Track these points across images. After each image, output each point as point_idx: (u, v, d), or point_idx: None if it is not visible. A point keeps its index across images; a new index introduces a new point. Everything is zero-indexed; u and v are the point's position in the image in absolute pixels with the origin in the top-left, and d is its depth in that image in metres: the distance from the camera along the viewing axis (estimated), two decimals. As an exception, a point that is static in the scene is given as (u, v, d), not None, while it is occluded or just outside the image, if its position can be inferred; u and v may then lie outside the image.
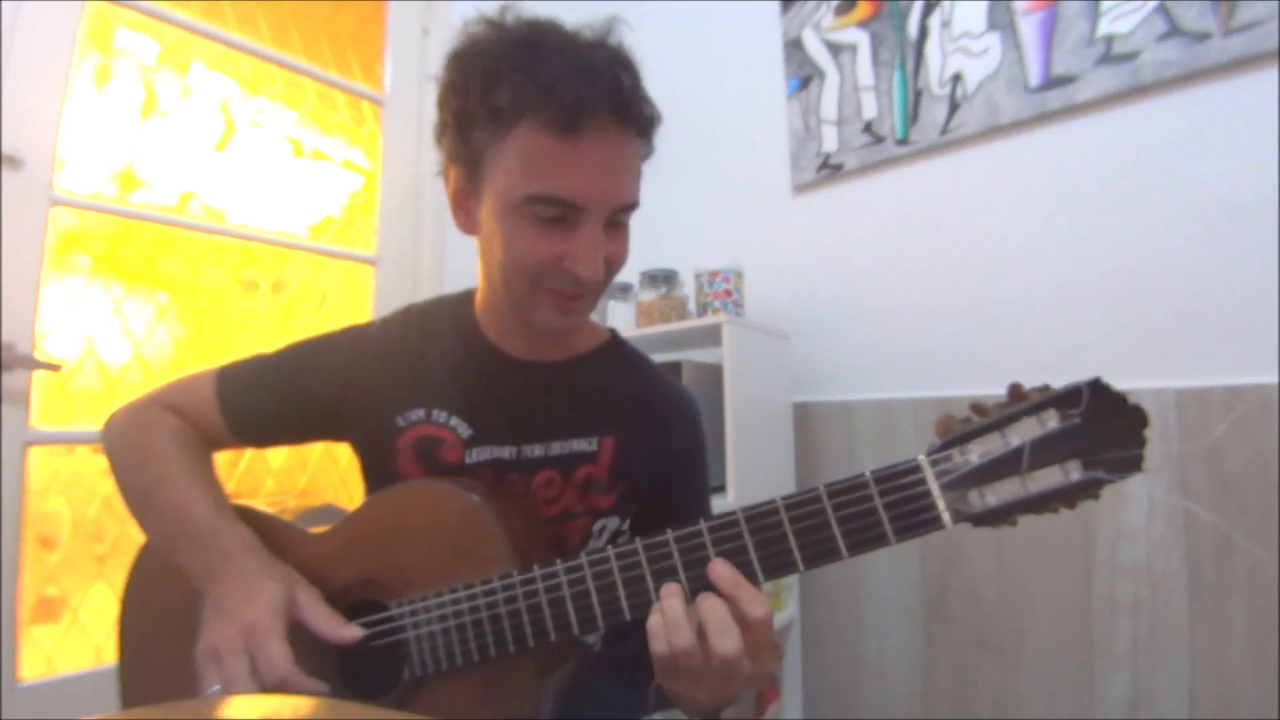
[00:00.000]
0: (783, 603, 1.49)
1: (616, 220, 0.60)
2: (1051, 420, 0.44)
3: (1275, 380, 1.03)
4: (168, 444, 0.67)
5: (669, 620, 0.47)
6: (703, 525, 0.50)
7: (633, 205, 0.60)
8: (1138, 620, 1.14)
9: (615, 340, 0.77)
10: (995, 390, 0.47)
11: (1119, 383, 0.44)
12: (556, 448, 0.67)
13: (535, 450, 0.67)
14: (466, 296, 0.74)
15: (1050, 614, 1.23)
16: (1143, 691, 1.12)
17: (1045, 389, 0.45)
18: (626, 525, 0.71)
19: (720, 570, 0.48)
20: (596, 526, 0.68)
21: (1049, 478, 0.44)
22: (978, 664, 1.31)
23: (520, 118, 0.55)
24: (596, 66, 0.55)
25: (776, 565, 0.48)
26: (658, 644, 0.48)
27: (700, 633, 0.46)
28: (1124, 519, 1.15)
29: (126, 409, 0.72)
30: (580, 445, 0.68)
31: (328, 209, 1.58)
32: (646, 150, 0.63)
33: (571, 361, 0.71)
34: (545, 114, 0.54)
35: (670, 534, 0.50)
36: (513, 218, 0.57)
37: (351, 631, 0.56)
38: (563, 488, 0.67)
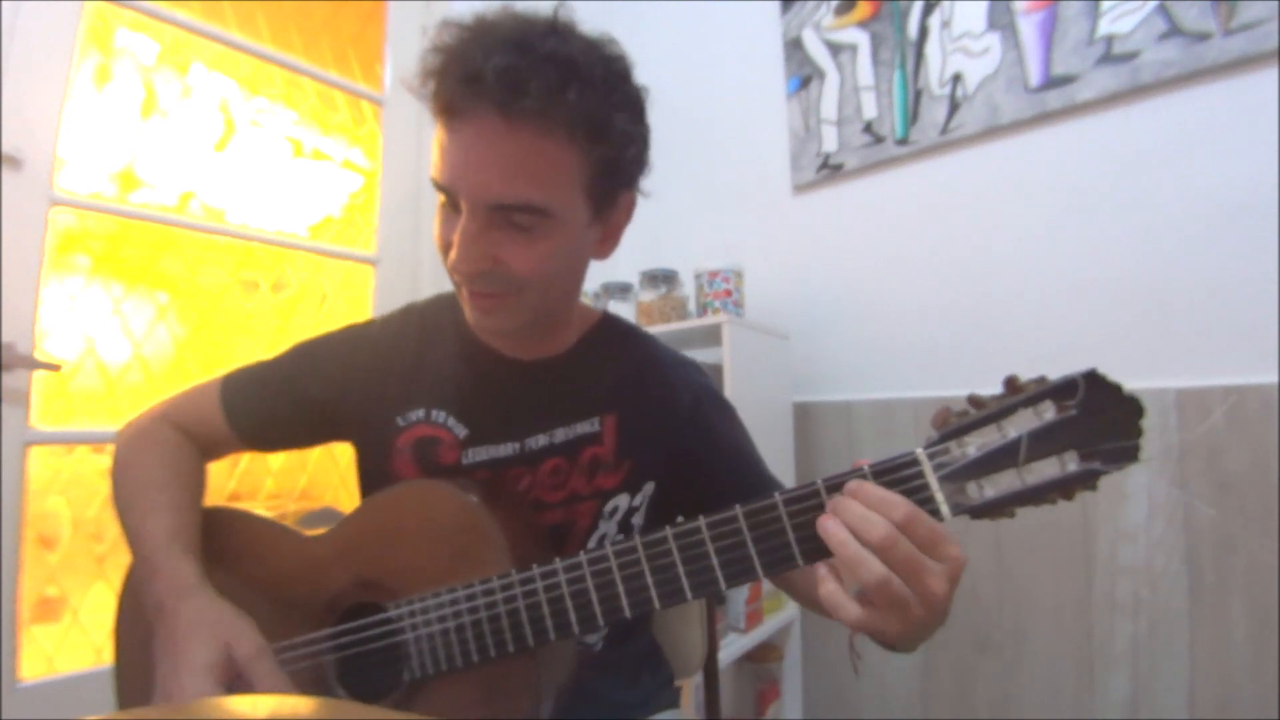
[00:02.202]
0: (783, 602, 1.50)
1: (516, 222, 0.56)
2: (1048, 412, 0.44)
3: (1275, 380, 1.03)
4: (151, 464, 0.66)
5: (851, 557, 0.43)
6: (701, 522, 0.49)
7: (519, 206, 0.55)
8: (1138, 620, 1.14)
9: (607, 319, 0.76)
10: (995, 390, 0.47)
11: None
12: (560, 434, 0.67)
13: (540, 441, 0.67)
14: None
15: (1050, 614, 1.23)
16: (1143, 691, 1.12)
17: (1041, 381, 0.45)
18: (639, 503, 0.69)
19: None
20: (607, 507, 0.68)
21: (1046, 469, 0.44)
22: (978, 664, 1.31)
23: (435, 107, 0.57)
24: (488, 55, 0.52)
25: (775, 560, 0.48)
26: (846, 611, 0.44)
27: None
28: (1124, 519, 1.16)
29: (134, 425, 0.71)
30: (583, 428, 0.67)
31: (328, 209, 1.58)
32: (593, 154, 0.56)
33: (567, 352, 0.71)
34: (438, 103, 0.56)
35: (669, 530, 0.50)
36: (439, 203, 0.60)
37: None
38: (569, 473, 0.67)
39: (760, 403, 1.42)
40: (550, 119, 0.53)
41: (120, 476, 0.67)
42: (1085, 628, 1.19)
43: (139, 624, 0.67)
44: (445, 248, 0.59)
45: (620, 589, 0.51)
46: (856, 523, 0.44)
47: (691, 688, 1.17)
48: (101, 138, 1.25)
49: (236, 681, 0.53)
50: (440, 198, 0.59)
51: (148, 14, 1.29)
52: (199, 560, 0.60)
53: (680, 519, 0.51)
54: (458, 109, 0.54)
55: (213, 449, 0.72)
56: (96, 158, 1.24)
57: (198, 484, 0.69)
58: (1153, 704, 1.11)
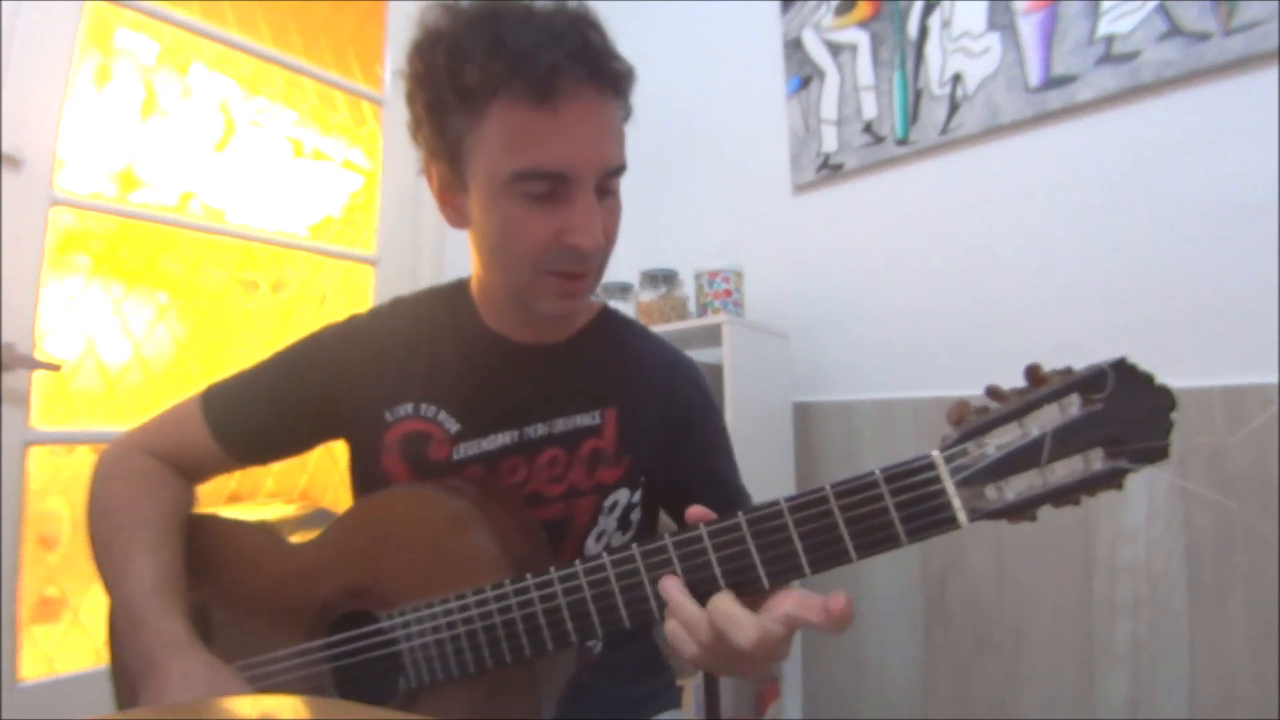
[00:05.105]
0: (783, 603, 1.49)
1: (606, 187, 0.58)
2: (1073, 406, 0.41)
3: (1275, 380, 1.03)
4: (127, 500, 0.63)
5: (687, 619, 0.46)
6: (703, 529, 0.48)
7: (620, 168, 0.58)
8: (1138, 620, 1.14)
9: (608, 312, 0.76)
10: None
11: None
12: (560, 424, 0.66)
13: (539, 430, 0.66)
14: (461, 286, 0.72)
15: (1050, 614, 1.23)
16: (1143, 691, 1.12)
17: (1067, 372, 0.42)
18: (638, 498, 0.69)
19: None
20: (607, 503, 0.67)
21: (1069, 467, 0.41)
22: (978, 664, 1.31)
23: (494, 95, 0.53)
24: (562, 30, 0.53)
25: (782, 570, 0.46)
26: (685, 647, 0.46)
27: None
28: (1124, 519, 1.15)
29: (109, 456, 0.67)
30: (583, 420, 0.66)
31: (328, 209, 1.59)
32: (626, 111, 0.61)
33: (571, 340, 0.71)
34: (518, 86, 0.52)
35: (668, 539, 0.49)
36: (503, 201, 0.56)
37: None
38: (568, 465, 0.66)
39: (760, 403, 1.42)
40: (616, 80, 0.57)
41: (95, 514, 0.64)
42: (1085, 628, 1.19)
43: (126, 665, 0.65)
44: (552, 238, 0.57)
45: (619, 599, 0.50)
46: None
47: (692, 688, 1.17)
48: (101, 138, 1.25)
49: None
50: (516, 191, 0.55)
51: (148, 14, 1.29)
52: (186, 609, 0.58)
53: (670, 534, 0.50)
54: (553, 90, 0.52)
55: (199, 472, 0.69)
56: (96, 158, 1.24)
57: (179, 517, 0.65)
58: (1153, 704, 1.11)
